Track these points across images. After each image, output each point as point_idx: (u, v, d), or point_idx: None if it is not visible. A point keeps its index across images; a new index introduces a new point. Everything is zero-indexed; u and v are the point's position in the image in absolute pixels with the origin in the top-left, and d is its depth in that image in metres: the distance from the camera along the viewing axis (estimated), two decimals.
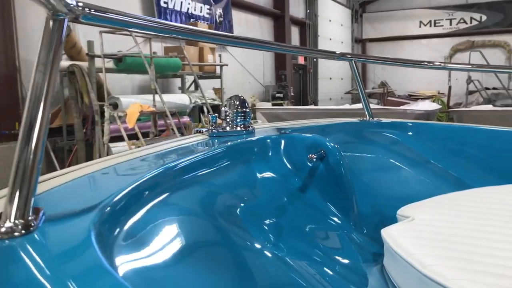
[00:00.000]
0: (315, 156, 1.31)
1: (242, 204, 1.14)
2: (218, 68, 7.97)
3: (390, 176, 1.67)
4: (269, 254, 0.99)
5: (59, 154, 5.84)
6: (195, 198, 1.02)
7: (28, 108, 0.64)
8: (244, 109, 1.48)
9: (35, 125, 0.63)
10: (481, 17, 16.59)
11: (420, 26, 17.43)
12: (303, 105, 11.73)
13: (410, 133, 1.83)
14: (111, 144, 4.97)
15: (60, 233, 0.62)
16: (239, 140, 1.36)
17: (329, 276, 1.05)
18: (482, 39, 16.45)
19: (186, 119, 6.82)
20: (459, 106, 13.65)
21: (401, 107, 9.28)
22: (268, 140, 1.41)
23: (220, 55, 8.09)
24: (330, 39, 15.29)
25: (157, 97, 5.61)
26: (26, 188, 0.62)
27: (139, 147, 4.17)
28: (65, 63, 5.57)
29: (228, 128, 1.47)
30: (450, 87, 16.39)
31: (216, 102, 7.66)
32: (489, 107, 8.94)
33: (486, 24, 16.50)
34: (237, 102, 1.48)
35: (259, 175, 1.30)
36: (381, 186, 1.59)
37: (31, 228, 0.60)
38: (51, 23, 0.67)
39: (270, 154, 1.39)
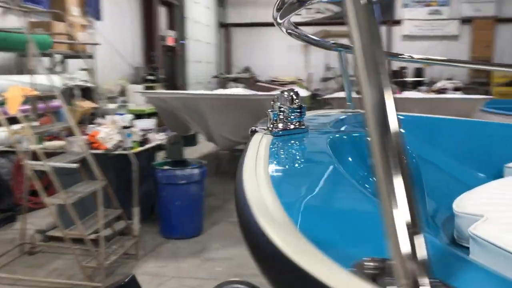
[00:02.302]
0: None
1: None
2: (88, 48, 7.33)
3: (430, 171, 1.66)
4: None
5: None
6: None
7: None
8: (301, 105, 1.34)
9: None
10: (335, 8, 17.85)
11: None
12: (173, 89, 11.44)
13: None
14: None
15: None
16: (319, 138, 1.26)
17: None
18: (338, 29, 17.73)
19: (56, 103, 6.17)
20: (318, 91, 14.61)
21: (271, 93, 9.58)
22: (345, 137, 1.32)
23: (91, 33, 7.45)
24: (197, 22, 15.11)
25: (27, 78, 4.96)
26: None
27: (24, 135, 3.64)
28: None
29: (281, 126, 1.35)
30: (311, 73, 17.42)
31: (88, 84, 7.06)
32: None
33: (340, 15, 17.81)
34: (292, 96, 1.34)
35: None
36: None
37: None
38: None
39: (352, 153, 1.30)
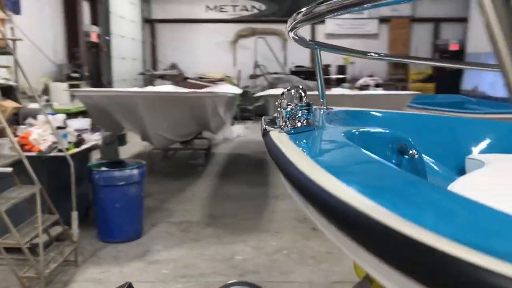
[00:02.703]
0: (399, 151, 1.30)
1: None
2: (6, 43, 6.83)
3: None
4: None
5: None
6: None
7: None
8: (308, 102, 1.31)
9: None
10: (260, 6, 18.02)
11: (206, 10, 18.00)
12: (99, 87, 11.00)
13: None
14: None
15: None
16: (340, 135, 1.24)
17: None
18: (262, 26, 17.92)
19: None
20: (248, 89, 14.70)
21: (205, 90, 9.51)
22: (356, 132, 1.32)
23: (12, 28, 6.97)
24: (122, 17, 14.64)
25: None
26: None
27: None
28: None
29: (291, 124, 1.34)
30: (240, 71, 17.49)
31: (10, 83, 6.60)
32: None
33: (265, 13, 18.01)
34: (300, 94, 1.31)
35: None
36: None
37: None
38: None
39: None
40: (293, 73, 16.58)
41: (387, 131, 1.47)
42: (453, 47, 17.38)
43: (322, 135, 1.35)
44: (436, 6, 17.57)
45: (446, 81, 16.26)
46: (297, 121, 1.35)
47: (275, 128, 1.37)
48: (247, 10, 18.05)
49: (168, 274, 3.76)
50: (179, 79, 14.38)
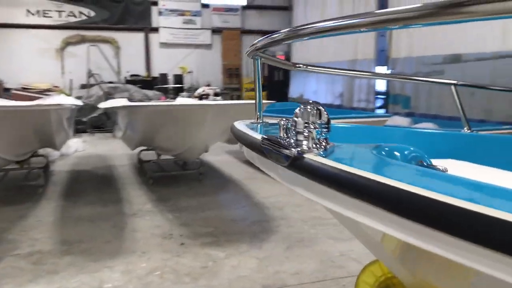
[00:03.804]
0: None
1: None
2: None
3: None
4: None
5: None
6: None
7: None
8: (327, 119, 1.15)
9: None
10: (89, 12, 17.02)
11: (27, 15, 16.36)
12: None
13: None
14: None
15: None
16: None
17: None
18: (93, 34, 16.96)
19: None
20: (82, 99, 13.72)
21: (40, 101, 8.61)
22: (386, 148, 1.22)
23: None
24: None
25: None
26: None
27: None
28: None
29: (311, 144, 1.20)
30: (71, 80, 16.26)
31: None
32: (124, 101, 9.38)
33: (95, 20, 17.07)
34: (320, 110, 1.15)
35: None
36: None
37: None
38: None
39: None
40: (129, 82, 16.07)
41: (411, 148, 1.45)
42: (280, 57, 18.70)
43: (356, 154, 1.26)
44: (262, 20, 18.74)
45: (276, 90, 17.45)
46: (322, 141, 1.22)
47: (308, 151, 1.20)
48: (74, 16, 16.90)
49: None
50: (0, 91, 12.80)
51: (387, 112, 11.48)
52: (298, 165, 1.18)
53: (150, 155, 7.78)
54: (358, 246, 4.29)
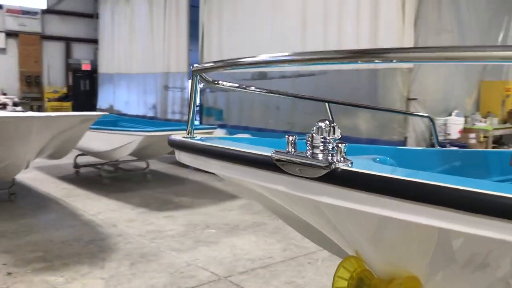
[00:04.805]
0: None
1: None
2: None
3: None
4: None
5: None
6: None
7: None
8: (339, 136, 1.15)
9: None
10: None
11: None
12: None
13: None
14: None
15: None
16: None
17: None
18: None
19: None
20: None
21: None
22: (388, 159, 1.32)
23: None
24: None
25: None
26: None
27: None
28: None
29: (340, 158, 1.25)
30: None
31: None
32: None
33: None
34: (334, 127, 1.23)
35: None
36: None
37: None
38: None
39: None
40: None
41: (387, 158, 1.65)
42: (86, 66, 17.81)
43: (370, 165, 1.34)
44: (66, 26, 17.64)
45: (81, 100, 16.60)
46: (335, 156, 1.25)
47: (343, 163, 1.20)
48: None
49: None
50: None
51: (201, 123, 11.91)
52: (337, 176, 1.22)
53: None
54: (202, 254, 4.44)
